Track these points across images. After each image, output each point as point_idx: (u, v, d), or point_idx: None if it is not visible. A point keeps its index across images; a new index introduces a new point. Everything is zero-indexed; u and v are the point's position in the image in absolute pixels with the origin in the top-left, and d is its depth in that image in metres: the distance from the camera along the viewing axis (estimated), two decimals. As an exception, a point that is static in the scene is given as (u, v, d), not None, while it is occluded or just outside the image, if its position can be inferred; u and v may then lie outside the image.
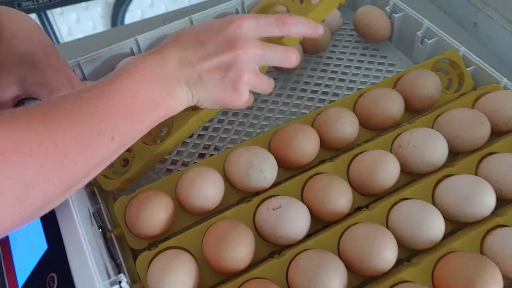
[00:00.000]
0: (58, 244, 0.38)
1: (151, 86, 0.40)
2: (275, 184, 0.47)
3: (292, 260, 0.42)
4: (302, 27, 0.46)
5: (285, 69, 0.49)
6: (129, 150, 0.52)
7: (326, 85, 0.63)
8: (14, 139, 0.31)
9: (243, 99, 0.45)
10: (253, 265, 0.43)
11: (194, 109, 0.49)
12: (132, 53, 0.63)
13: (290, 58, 0.46)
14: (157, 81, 0.41)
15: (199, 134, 0.59)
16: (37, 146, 0.31)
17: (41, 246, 0.40)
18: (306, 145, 0.47)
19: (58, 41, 1.35)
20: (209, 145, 0.58)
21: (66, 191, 0.35)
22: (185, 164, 0.56)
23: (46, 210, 0.35)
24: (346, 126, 0.48)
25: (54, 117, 0.34)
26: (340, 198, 0.44)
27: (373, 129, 0.53)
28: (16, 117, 0.32)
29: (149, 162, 0.50)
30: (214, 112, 0.51)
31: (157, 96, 0.40)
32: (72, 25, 1.36)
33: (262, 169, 0.44)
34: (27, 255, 0.42)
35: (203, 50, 0.43)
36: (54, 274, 0.38)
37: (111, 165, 0.51)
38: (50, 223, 0.40)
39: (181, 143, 0.55)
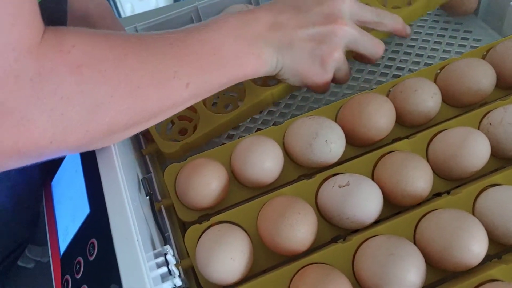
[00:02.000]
0: (100, 209, 0.35)
1: (236, 42, 0.39)
2: (340, 162, 0.42)
3: (359, 246, 0.36)
4: (395, 22, 0.46)
5: (364, 59, 0.46)
6: (189, 119, 0.50)
7: (401, 60, 0.57)
8: (93, 56, 0.30)
9: (326, 77, 0.43)
10: (312, 249, 0.38)
11: (269, 84, 0.48)
12: (192, 21, 0.60)
13: (379, 49, 0.45)
14: (244, 38, 0.39)
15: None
16: (113, 69, 0.31)
17: (84, 210, 0.37)
18: (380, 118, 0.41)
19: (120, 16, 1.36)
20: (268, 120, 0.53)
21: (132, 125, 0.34)
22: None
23: (109, 140, 0.36)
24: (427, 98, 0.42)
25: (135, 47, 0.33)
26: (419, 179, 0.38)
27: (457, 105, 0.45)
28: (99, 36, 0.32)
29: (212, 132, 0.48)
30: (287, 91, 0.50)
31: (240, 54, 0.39)
32: (135, 2, 1.37)
33: (328, 140, 0.39)
34: (70, 219, 0.40)
35: (301, 18, 0.42)
36: (94, 240, 0.35)
37: (169, 131, 0.49)
38: (94, 185, 0.37)
39: (248, 119, 0.52)
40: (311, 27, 0.41)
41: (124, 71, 0.32)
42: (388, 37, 0.51)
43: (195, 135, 0.47)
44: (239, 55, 0.39)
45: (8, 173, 0.42)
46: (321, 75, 0.43)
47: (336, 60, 0.43)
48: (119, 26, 0.51)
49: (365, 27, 0.45)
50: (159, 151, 0.48)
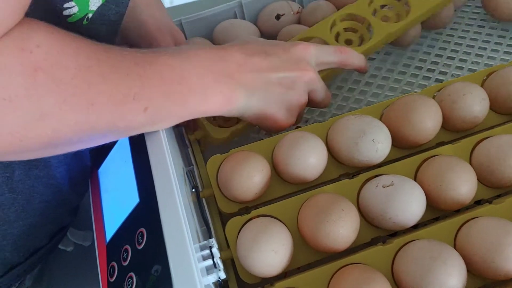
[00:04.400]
0: (150, 199, 0.36)
1: (204, 75, 0.37)
2: (383, 164, 0.42)
3: (400, 249, 0.37)
4: (355, 59, 0.47)
5: (313, 104, 0.47)
6: None
7: (445, 64, 0.56)
8: (54, 61, 0.28)
9: (291, 121, 0.44)
10: (351, 250, 0.38)
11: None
12: (235, 16, 0.60)
13: (328, 100, 0.46)
14: (214, 74, 0.38)
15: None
16: (70, 79, 0.29)
17: (133, 199, 0.38)
18: (428, 121, 0.40)
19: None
20: (308, 119, 0.53)
21: (76, 142, 0.32)
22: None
23: (44, 153, 0.32)
24: (475, 104, 0.42)
25: (101, 59, 0.31)
26: (463, 184, 0.37)
27: (504, 112, 0.45)
28: (69, 39, 0.30)
29: None
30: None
31: (208, 89, 0.38)
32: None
33: (375, 140, 0.39)
34: (118, 208, 0.41)
35: (270, 62, 0.41)
36: (143, 229, 0.36)
37: (214, 117, 0.49)
38: (144, 176, 0.38)
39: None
40: (282, 71, 0.41)
41: (82, 84, 0.29)
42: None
43: (244, 121, 0.47)
44: (206, 90, 0.38)
45: (65, 157, 0.43)
46: (286, 120, 0.43)
47: (301, 105, 0.43)
48: (165, 16, 0.51)
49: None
50: (204, 140, 0.48)
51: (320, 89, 0.44)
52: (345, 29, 0.55)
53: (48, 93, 0.28)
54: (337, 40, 0.53)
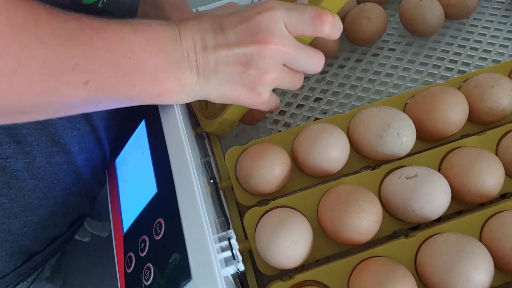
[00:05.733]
0: (168, 189, 0.36)
1: (158, 54, 0.34)
2: (405, 156, 0.41)
3: (423, 242, 0.36)
4: (337, 30, 0.37)
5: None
6: None
7: (468, 55, 0.54)
8: None
9: (262, 99, 0.38)
10: (372, 242, 0.37)
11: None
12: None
13: (319, 65, 0.39)
14: (167, 53, 0.34)
15: (317, 98, 0.54)
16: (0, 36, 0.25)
17: (150, 189, 0.38)
18: (454, 113, 0.39)
19: None
20: (327, 110, 0.52)
21: (1, 113, 0.29)
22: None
23: None
24: (503, 95, 0.40)
25: (41, 21, 0.27)
26: (490, 176, 0.36)
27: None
28: None
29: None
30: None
31: (160, 69, 0.34)
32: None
33: (400, 133, 0.38)
34: (135, 198, 0.40)
35: (223, 37, 0.36)
36: (161, 220, 0.36)
37: (206, 106, 0.47)
38: (162, 166, 0.38)
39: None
40: (235, 47, 0.35)
41: (12, 45, 0.26)
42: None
43: (227, 108, 0.43)
44: (157, 70, 0.34)
45: (86, 145, 0.43)
46: (253, 99, 0.38)
47: (268, 83, 0.37)
48: (185, 3, 0.50)
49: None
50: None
51: (298, 59, 0.37)
52: None
53: None
54: None
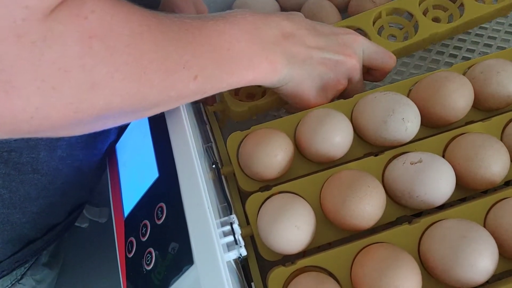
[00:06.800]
0: (170, 173, 0.35)
1: (252, 41, 0.37)
2: (409, 142, 0.40)
3: (427, 228, 0.35)
4: (393, 65, 0.46)
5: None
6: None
7: (472, 42, 0.54)
8: (109, 28, 0.27)
9: (324, 101, 0.43)
10: (375, 229, 0.37)
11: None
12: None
13: (362, 90, 0.45)
14: (260, 39, 0.37)
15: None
16: (124, 47, 0.28)
17: (152, 174, 0.38)
18: (459, 98, 0.39)
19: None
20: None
21: (128, 113, 0.31)
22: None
23: (96, 126, 0.31)
24: (509, 81, 0.40)
25: (153, 26, 0.30)
26: (495, 162, 0.36)
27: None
28: (121, 5, 0.28)
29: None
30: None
31: (254, 55, 0.37)
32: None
33: (405, 118, 0.37)
34: (136, 182, 0.40)
35: (318, 40, 0.41)
36: (163, 204, 0.35)
37: (236, 93, 0.48)
38: (163, 151, 0.37)
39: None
40: (327, 51, 0.41)
41: (134, 52, 0.28)
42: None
43: (265, 99, 0.46)
44: (252, 56, 0.37)
45: (81, 135, 0.42)
46: (319, 99, 0.42)
47: (339, 89, 0.43)
48: None
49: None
50: (223, 114, 0.47)
51: (358, 80, 0.43)
52: (390, 25, 0.53)
53: (102, 61, 0.27)
54: (379, 34, 0.51)
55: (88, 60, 0.26)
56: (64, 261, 0.58)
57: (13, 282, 0.47)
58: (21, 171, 0.40)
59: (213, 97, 0.48)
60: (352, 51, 0.42)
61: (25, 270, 0.48)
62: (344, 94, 0.45)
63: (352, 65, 0.42)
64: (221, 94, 0.47)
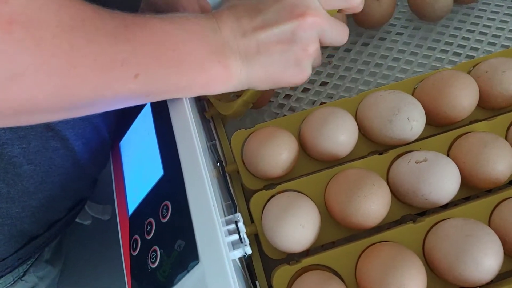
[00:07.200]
0: (175, 171, 0.35)
1: (200, 44, 0.34)
2: (415, 140, 0.40)
3: (432, 227, 0.35)
4: (362, 2, 0.40)
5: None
6: None
7: (476, 40, 0.54)
8: (34, 16, 0.25)
9: (305, 75, 0.38)
10: (379, 228, 0.37)
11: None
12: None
13: (344, 37, 0.40)
14: (207, 43, 0.35)
15: (323, 82, 0.53)
16: (50, 38, 0.26)
17: (157, 172, 0.38)
18: (464, 98, 0.39)
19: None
20: (333, 94, 0.52)
21: (56, 110, 0.30)
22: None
23: (19, 121, 0.30)
24: (515, 80, 0.40)
25: (87, 19, 0.28)
26: (500, 161, 0.36)
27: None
28: None
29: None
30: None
31: (204, 58, 0.34)
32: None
33: (410, 117, 0.37)
34: (140, 180, 0.40)
35: (260, 19, 0.36)
36: (168, 202, 0.35)
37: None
38: (168, 148, 0.37)
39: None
40: (274, 26, 0.36)
41: (63, 45, 0.27)
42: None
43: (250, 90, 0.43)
44: (202, 60, 0.34)
45: (82, 131, 0.42)
46: (298, 76, 0.38)
47: (312, 56, 0.38)
48: None
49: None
50: (221, 114, 0.47)
51: (330, 31, 0.38)
52: None
53: (25, 50, 0.25)
54: None
55: (8, 47, 0.25)
56: (67, 258, 0.59)
57: (16, 279, 0.47)
58: (16, 164, 0.39)
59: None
60: (304, 8, 0.36)
61: (28, 267, 0.48)
62: (328, 45, 0.40)
63: (310, 23, 0.36)
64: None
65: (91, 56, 0.28)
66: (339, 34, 0.39)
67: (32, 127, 0.39)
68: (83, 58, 0.28)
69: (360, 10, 0.40)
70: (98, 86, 0.30)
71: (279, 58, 0.37)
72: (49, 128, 0.40)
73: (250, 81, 0.37)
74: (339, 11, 0.40)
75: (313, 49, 0.37)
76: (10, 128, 0.38)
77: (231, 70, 0.36)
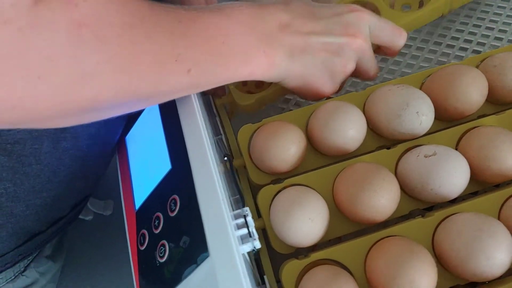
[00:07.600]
0: (183, 165, 0.35)
1: (248, 34, 0.35)
2: (423, 135, 0.40)
3: (441, 222, 0.35)
4: (402, 43, 0.43)
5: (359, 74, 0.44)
6: None
7: (483, 35, 0.54)
8: (99, 17, 0.26)
9: (334, 89, 0.41)
10: (387, 223, 0.37)
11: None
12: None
13: (375, 72, 0.43)
14: (256, 32, 0.36)
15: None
16: (115, 38, 0.27)
17: (164, 166, 0.37)
18: (473, 92, 0.38)
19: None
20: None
21: (117, 106, 0.30)
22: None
23: (83, 118, 0.30)
24: (524, 75, 0.40)
25: (146, 17, 0.29)
26: (509, 155, 0.35)
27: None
28: None
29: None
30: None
31: (250, 48, 0.35)
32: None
33: (419, 112, 0.37)
34: (147, 175, 0.40)
35: (316, 24, 0.39)
36: (176, 196, 0.35)
37: (244, 83, 0.47)
38: (176, 142, 0.37)
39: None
40: (326, 35, 0.38)
41: (126, 43, 0.27)
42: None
43: (272, 88, 0.45)
44: (248, 50, 0.35)
45: (88, 127, 0.42)
46: (328, 87, 0.41)
47: (347, 74, 0.41)
48: None
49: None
50: (232, 105, 0.46)
51: (368, 60, 0.41)
52: None
53: (92, 52, 0.26)
54: (392, 6, 0.48)
55: (78, 49, 0.25)
56: (68, 253, 0.58)
57: (17, 274, 0.47)
58: (25, 163, 0.39)
59: (222, 89, 0.47)
60: (357, 30, 0.39)
61: (29, 262, 0.48)
62: (357, 76, 0.43)
63: (358, 45, 0.39)
64: (227, 86, 0.46)
65: (151, 53, 0.29)
66: (373, 66, 0.42)
67: (46, 128, 0.39)
68: (143, 55, 0.29)
69: (393, 56, 0.44)
70: (156, 81, 0.30)
71: (320, 63, 0.39)
72: (63, 128, 0.40)
73: (286, 75, 0.39)
74: (378, 48, 0.44)
75: (351, 68, 0.40)
76: (25, 128, 0.37)
77: (274, 60, 0.37)
